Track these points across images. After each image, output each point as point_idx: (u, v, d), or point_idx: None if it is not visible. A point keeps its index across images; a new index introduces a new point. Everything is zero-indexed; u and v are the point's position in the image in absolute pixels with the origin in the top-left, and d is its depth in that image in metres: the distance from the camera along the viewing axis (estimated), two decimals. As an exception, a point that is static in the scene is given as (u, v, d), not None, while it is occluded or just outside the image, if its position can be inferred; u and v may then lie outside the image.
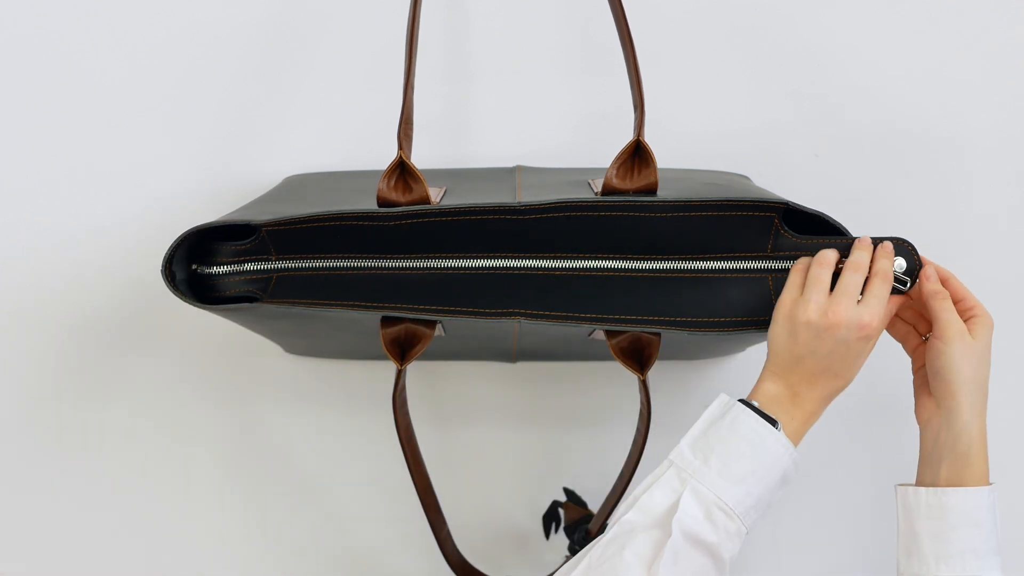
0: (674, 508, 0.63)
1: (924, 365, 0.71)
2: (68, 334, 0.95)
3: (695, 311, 0.72)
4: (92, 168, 0.95)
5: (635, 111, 0.76)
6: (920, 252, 0.70)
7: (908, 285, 0.70)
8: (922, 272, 0.70)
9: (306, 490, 0.96)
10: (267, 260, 0.74)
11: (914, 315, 0.73)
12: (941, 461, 0.68)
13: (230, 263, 0.74)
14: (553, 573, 0.69)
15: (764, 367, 0.69)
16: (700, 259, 0.72)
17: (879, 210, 0.94)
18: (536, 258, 0.72)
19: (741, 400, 0.67)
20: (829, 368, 0.66)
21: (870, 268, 0.68)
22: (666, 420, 0.89)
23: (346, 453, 0.95)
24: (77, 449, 0.95)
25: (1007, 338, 0.70)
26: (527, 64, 0.95)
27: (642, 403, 0.76)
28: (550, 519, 0.91)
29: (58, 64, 0.94)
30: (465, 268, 0.72)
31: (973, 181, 0.96)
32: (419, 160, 0.77)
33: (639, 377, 0.75)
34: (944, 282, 0.70)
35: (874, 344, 0.67)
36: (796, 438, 0.67)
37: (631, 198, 0.71)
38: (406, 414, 0.77)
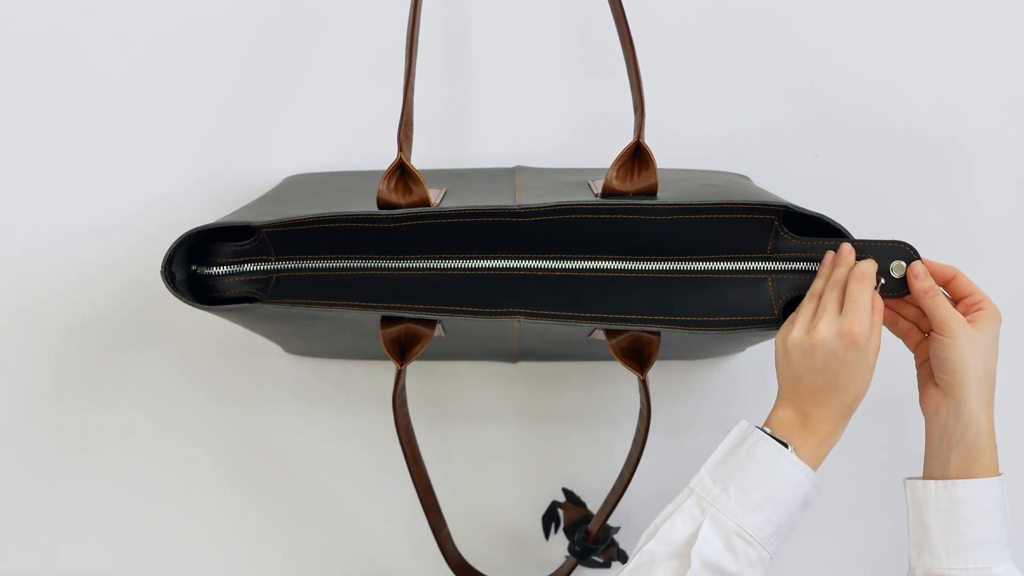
0: (694, 538, 0.63)
1: (928, 360, 0.71)
2: (68, 334, 0.95)
3: (695, 311, 0.72)
4: (92, 168, 0.95)
5: (635, 112, 0.76)
6: (921, 253, 0.70)
7: (906, 287, 0.70)
8: (909, 270, 0.69)
9: (306, 490, 0.96)
10: (267, 261, 0.74)
11: (916, 313, 0.73)
12: (950, 452, 0.68)
13: (230, 264, 0.74)
14: None
15: (776, 398, 0.69)
16: (700, 260, 0.72)
17: (879, 210, 0.94)
18: (536, 259, 0.73)
19: (757, 427, 0.67)
20: (829, 383, 0.66)
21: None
22: (666, 420, 0.90)
23: (346, 453, 0.95)
24: (77, 449, 0.95)
25: (1010, 337, 0.70)
26: (527, 64, 0.95)
27: (642, 403, 0.76)
28: (549, 519, 0.91)
29: (58, 64, 0.94)
30: (465, 269, 0.72)
31: (973, 181, 0.96)
32: (419, 160, 0.77)
33: (639, 377, 0.75)
34: (951, 279, 0.70)
35: (874, 350, 0.67)
36: (813, 460, 0.66)
37: (631, 200, 0.71)
38: (406, 414, 0.77)
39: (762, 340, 0.86)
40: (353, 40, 0.95)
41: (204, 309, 0.72)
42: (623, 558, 0.88)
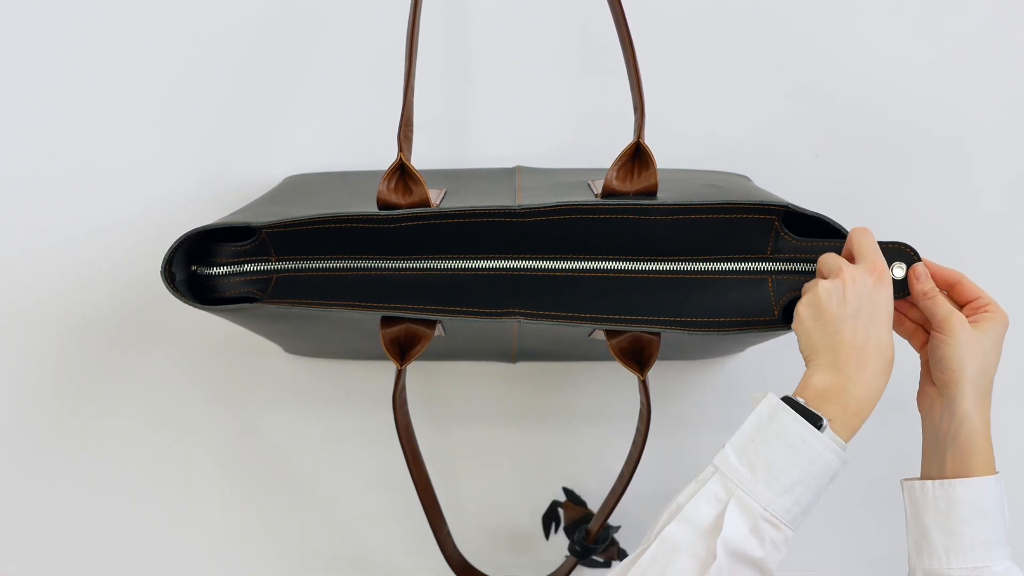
0: (719, 519, 0.61)
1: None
2: (68, 334, 0.95)
3: (695, 311, 0.72)
4: (92, 168, 0.95)
5: (635, 112, 0.76)
6: (921, 254, 0.70)
7: (906, 289, 0.70)
8: (911, 271, 0.69)
9: (306, 490, 0.96)
10: (267, 261, 0.74)
11: (921, 315, 0.72)
12: (945, 452, 0.68)
13: (230, 264, 0.74)
14: None
15: (808, 368, 0.66)
16: (700, 261, 0.72)
17: (879, 211, 0.94)
18: (536, 259, 0.73)
19: (786, 398, 0.64)
20: (871, 333, 0.63)
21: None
22: (666, 420, 0.90)
23: (346, 453, 0.95)
24: (77, 449, 0.95)
25: (1010, 337, 0.70)
26: (527, 64, 0.95)
27: (642, 403, 0.76)
28: (550, 519, 0.91)
29: (58, 64, 0.94)
30: (465, 269, 0.72)
31: (974, 181, 0.96)
32: (419, 160, 0.77)
33: (639, 377, 0.75)
34: (955, 284, 0.70)
35: (889, 295, 0.65)
36: (847, 432, 0.63)
37: (631, 201, 0.71)
38: (406, 414, 0.77)
39: (762, 340, 0.86)
40: (353, 40, 0.95)
41: (204, 309, 0.72)
42: (623, 557, 0.88)
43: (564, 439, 0.95)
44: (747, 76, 0.95)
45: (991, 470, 0.67)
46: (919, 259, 0.69)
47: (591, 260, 0.72)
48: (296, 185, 0.89)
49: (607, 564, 0.88)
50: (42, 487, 0.96)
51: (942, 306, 0.68)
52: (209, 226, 0.72)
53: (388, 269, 0.73)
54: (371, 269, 0.73)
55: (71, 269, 0.94)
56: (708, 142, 0.95)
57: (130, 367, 0.95)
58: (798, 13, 0.95)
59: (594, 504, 0.90)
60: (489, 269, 0.72)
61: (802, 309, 0.66)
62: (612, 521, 0.85)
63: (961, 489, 0.66)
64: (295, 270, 0.74)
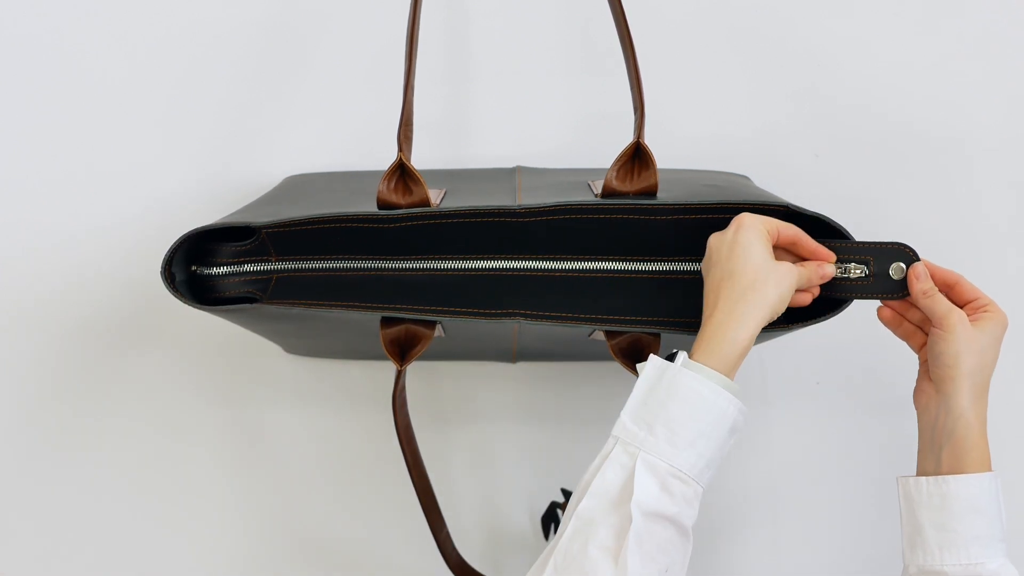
0: (628, 484, 0.61)
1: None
2: (68, 334, 0.95)
3: (695, 312, 0.72)
4: (92, 168, 0.95)
5: (635, 112, 0.76)
6: (921, 254, 0.70)
7: (906, 288, 0.70)
8: (910, 271, 0.69)
9: (306, 490, 0.96)
10: (267, 261, 0.74)
11: (920, 317, 0.72)
12: (941, 448, 0.68)
13: (229, 264, 0.74)
14: None
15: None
16: (700, 261, 0.72)
17: (879, 211, 0.94)
18: (536, 259, 0.73)
19: (670, 356, 0.65)
20: (726, 271, 0.66)
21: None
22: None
23: (346, 453, 0.95)
24: (77, 449, 0.95)
25: (1009, 337, 0.70)
26: (527, 64, 0.95)
27: (642, 404, 0.76)
28: (549, 520, 0.91)
29: (58, 64, 0.94)
30: (465, 269, 0.72)
31: (974, 182, 0.96)
32: (419, 160, 0.77)
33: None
34: (954, 285, 0.70)
35: (749, 236, 0.66)
36: (724, 366, 0.64)
37: (631, 201, 0.71)
38: (406, 414, 0.77)
39: (761, 340, 0.85)
40: (353, 40, 0.95)
41: (204, 309, 0.72)
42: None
43: (564, 439, 0.95)
44: (747, 77, 0.95)
45: (986, 467, 0.67)
46: (919, 259, 0.69)
47: (591, 260, 0.73)
48: (296, 185, 0.89)
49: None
50: (42, 487, 0.96)
51: (941, 303, 0.68)
52: (209, 226, 0.72)
53: (388, 269, 0.73)
54: (371, 269, 0.73)
55: (71, 269, 0.94)
56: (708, 142, 0.95)
57: (130, 367, 0.95)
58: (799, 14, 0.95)
59: (594, 504, 0.90)
60: (489, 269, 0.73)
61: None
62: (612, 521, 0.85)
63: (955, 485, 0.67)
64: (295, 270, 0.74)
